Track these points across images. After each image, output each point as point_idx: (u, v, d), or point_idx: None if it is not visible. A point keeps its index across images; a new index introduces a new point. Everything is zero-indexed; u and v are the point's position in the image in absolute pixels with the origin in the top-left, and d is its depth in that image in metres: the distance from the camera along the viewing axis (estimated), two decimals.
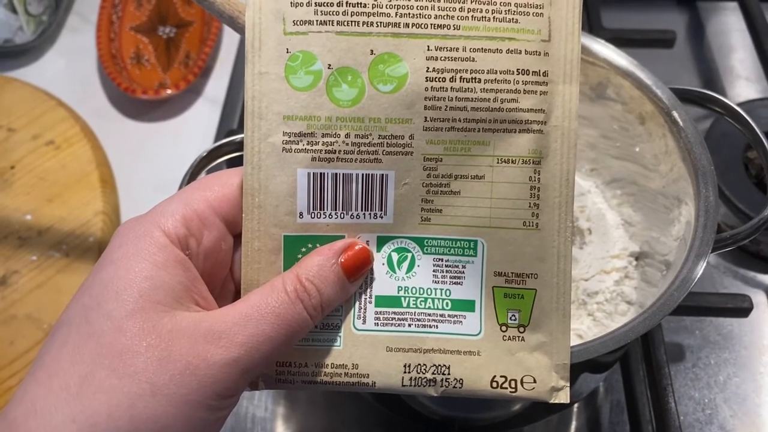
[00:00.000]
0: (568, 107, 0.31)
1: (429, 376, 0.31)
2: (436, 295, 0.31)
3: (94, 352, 0.26)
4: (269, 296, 0.28)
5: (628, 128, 0.47)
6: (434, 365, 0.31)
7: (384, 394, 0.43)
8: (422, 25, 0.30)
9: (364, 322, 0.31)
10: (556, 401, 0.31)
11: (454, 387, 0.31)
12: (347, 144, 0.30)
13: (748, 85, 0.67)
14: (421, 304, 0.31)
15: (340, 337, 0.31)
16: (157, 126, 0.65)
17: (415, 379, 0.31)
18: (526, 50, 0.30)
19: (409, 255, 0.31)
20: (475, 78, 0.30)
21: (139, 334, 0.26)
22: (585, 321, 0.45)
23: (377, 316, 0.31)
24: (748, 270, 0.56)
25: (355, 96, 0.30)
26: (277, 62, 0.30)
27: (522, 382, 0.31)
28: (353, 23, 0.30)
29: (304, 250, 0.31)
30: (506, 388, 0.31)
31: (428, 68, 0.30)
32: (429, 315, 0.31)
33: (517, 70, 0.30)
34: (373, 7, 0.29)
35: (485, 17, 0.30)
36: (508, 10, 0.30)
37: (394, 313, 0.31)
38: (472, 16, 0.30)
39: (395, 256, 0.31)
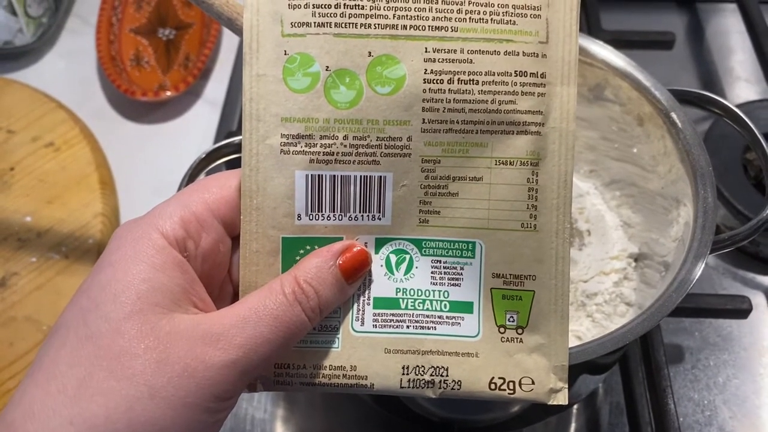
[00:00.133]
0: (566, 109, 0.31)
1: (427, 377, 0.31)
2: (434, 296, 0.31)
3: (92, 355, 0.26)
4: (267, 298, 0.28)
5: (627, 129, 0.47)
6: (432, 367, 0.31)
7: (383, 396, 0.43)
8: (420, 27, 0.30)
9: (363, 323, 0.31)
10: (555, 403, 0.31)
11: (452, 389, 0.31)
12: (345, 146, 0.30)
13: (748, 86, 0.67)
14: (419, 306, 0.31)
15: (338, 338, 0.31)
16: (157, 128, 0.65)
17: (414, 380, 0.31)
18: (523, 52, 0.30)
19: (408, 257, 0.31)
20: (473, 80, 0.30)
21: (137, 336, 0.26)
22: (584, 322, 0.45)
23: (375, 317, 0.31)
24: (747, 271, 0.56)
25: (353, 98, 0.30)
26: (274, 64, 0.30)
27: (520, 384, 0.31)
28: (351, 25, 0.30)
29: (302, 251, 0.31)
30: (504, 389, 0.31)
31: (426, 70, 0.30)
32: (427, 317, 0.31)
33: (515, 71, 0.30)
34: (370, 9, 0.29)
35: (483, 19, 0.30)
36: (506, 12, 0.30)
37: (393, 314, 0.31)
38: (470, 18, 0.30)
39: (393, 258, 0.31)
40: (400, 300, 0.31)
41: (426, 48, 0.30)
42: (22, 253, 0.55)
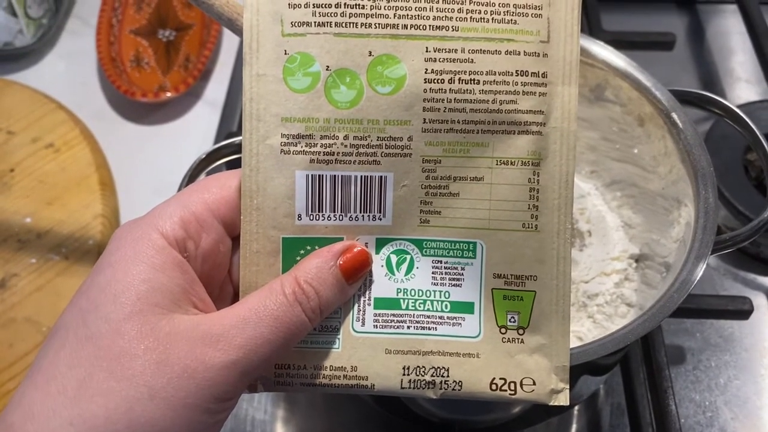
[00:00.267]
0: (567, 108, 0.31)
1: (428, 378, 0.31)
2: (435, 297, 0.31)
3: (92, 355, 0.26)
4: (267, 299, 0.28)
5: (627, 130, 0.47)
6: (433, 367, 0.31)
7: (383, 397, 0.43)
8: (421, 27, 0.30)
9: (363, 324, 0.31)
10: (556, 403, 0.31)
11: (453, 389, 0.31)
12: (346, 146, 0.30)
13: (748, 87, 0.67)
14: (420, 306, 0.31)
15: (338, 339, 0.31)
16: (157, 129, 0.65)
17: (414, 381, 0.31)
18: (524, 51, 0.30)
19: (408, 257, 0.31)
20: (474, 79, 0.30)
21: (137, 337, 0.26)
22: (585, 323, 0.45)
23: (376, 318, 0.31)
24: (748, 272, 0.56)
25: (354, 98, 0.30)
26: (275, 64, 0.30)
27: (521, 385, 0.31)
28: (351, 25, 0.29)
29: (302, 252, 0.31)
30: (505, 390, 0.31)
31: (427, 70, 0.30)
32: (428, 317, 0.31)
33: (516, 71, 0.30)
34: (371, 9, 0.29)
35: (484, 18, 0.30)
36: (507, 12, 0.30)
37: (393, 315, 0.31)
38: (471, 18, 0.30)
39: (394, 258, 0.31)
40: (401, 300, 0.31)
41: (427, 47, 0.30)
42: (21, 255, 0.55)
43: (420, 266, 0.31)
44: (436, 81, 0.30)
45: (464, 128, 0.30)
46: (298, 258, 0.30)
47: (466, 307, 0.31)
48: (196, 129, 0.65)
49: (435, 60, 0.30)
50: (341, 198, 0.30)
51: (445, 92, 0.30)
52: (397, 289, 0.31)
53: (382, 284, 0.31)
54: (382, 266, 0.31)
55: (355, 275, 0.30)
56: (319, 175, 0.30)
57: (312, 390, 0.31)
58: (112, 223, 0.58)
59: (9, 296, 0.53)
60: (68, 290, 0.53)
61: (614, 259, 0.47)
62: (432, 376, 0.31)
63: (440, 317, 0.31)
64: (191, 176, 0.41)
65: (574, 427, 0.50)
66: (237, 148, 0.42)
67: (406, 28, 0.30)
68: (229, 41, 0.71)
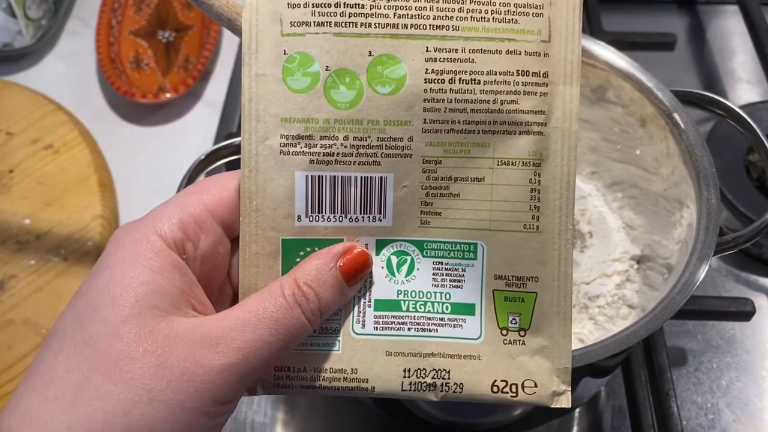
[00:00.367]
0: (568, 108, 0.30)
1: (429, 380, 0.31)
2: (435, 298, 0.31)
3: (90, 359, 0.26)
4: (267, 301, 0.28)
5: (629, 131, 0.46)
6: (434, 370, 0.31)
7: (384, 399, 0.43)
8: (421, 26, 0.29)
9: (364, 326, 0.31)
10: (558, 406, 0.31)
11: (454, 391, 0.31)
12: (345, 146, 0.30)
13: (750, 87, 0.67)
14: (420, 308, 0.31)
15: (339, 341, 0.31)
16: (157, 130, 0.65)
17: (415, 383, 0.31)
18: (525, 51, 0.30)
19: (409, 258, 0.31)
20: (475, 79, 0.30)
21: (136, 339, 0.26)
22: (586, 325, 0.44)
23: (376, 320, 0.31)
24: (750, 274, 0.56)
25: (354, 98, 0.30)
26: (274, 64, 0.29)
27: (523, 387, 0.31)
28: (351, 24, 0.29)
29: (302, 253, 0.30)
30: (507, 392, 0.31)
31: (427, 70, 0.29)
32: (429, 319, 0.31)
33: (517, 71, 0.30)
34: (371, 8, 0.29)
35: (484, 18, 0.30)
36: (508, 11, 0.30)
37: (394, 317, 0.31)
38: (471, 17, 0.30)
39: (394, 260, 0.31)
40: (402, 302, 0.31)
41: (427, 47, 0.29)
42: (20, 256, 0.55)
43: (420, 267, 0.31)
44: (436, 81, 0.29)
45: (465, 128, 0.30)
46: (298, 259, 0.30)
47: (467, 309, 0.31)
48: (196, 130, 0.65)
49: (435, 60, 0.29)
50: (341, 199, 0.30)
51: (446, 92, 0.29)
52: (398, 290, 0.31)
53: (383, 286, 0.31)
54: (383, 268, 0.31)
55: (356, 277, 0.30)
56: (319, 176, 0.30)
57: (312, 392, 0.31)
58: (111, 225, 0.57)
59: (8, 298, 0.53)
60: (67, 291, 0.53)
61: (615, 261, 0.46)
62: (433, 378, 0.31)
63: (441, 319, 0.31)
64: (190, 177, 0.41)
65: (575, 429, 0.49)
66: (236, 149, 0.41)
67: (406, 28, 0.29)
68: (228, 42, 0.71)
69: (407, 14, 0.29)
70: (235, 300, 0.31)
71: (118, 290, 0.27)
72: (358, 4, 0.29)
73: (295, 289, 0.29)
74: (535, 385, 0.31)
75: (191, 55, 0.67)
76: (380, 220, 0.31)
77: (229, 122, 0.64)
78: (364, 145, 0.30)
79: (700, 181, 0.40)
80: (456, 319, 0.31)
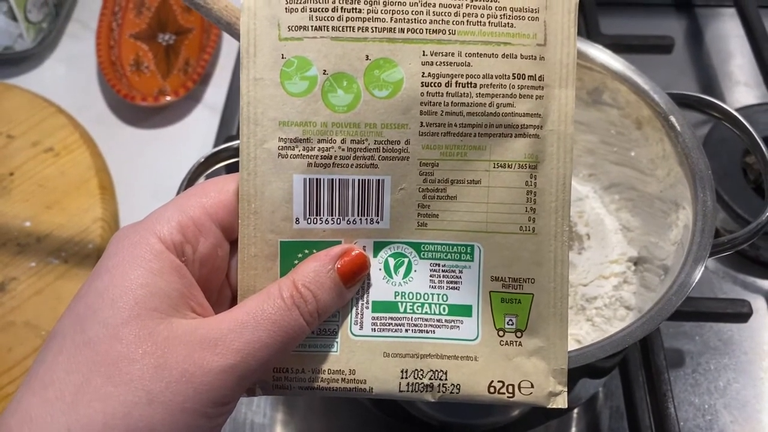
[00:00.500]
0: (564, 111, 0.31)
1: (426, 381, 0.31)
2: (433, 300, 0.31)
3: (90, 360, 0.26)
4: (265, 302, 0.28)
5: (625, 133, 0.47)
6: (431, 371, 0.31)
7: (382, 400, 0.43)
8: (417, 31, 0.30)
9: (361, 327, 0.31)
10: (554, 406, 0.31)
11: (451, 392, 0.31)
12: (343, 149, 0.30)
13: (747, 90, 0.67)
14: (418, 310, 0.31)
15: (337, 342, 0.31)
16: (157, 132, 0.65)
17: (413, 384, 0.31)
18: (521, 54, 0.30)
19: (406, 260, 0.31)
20: (471, 83, 0.30)
21: (135, 341, 0.26)
22: (584, 326, 0.45)
23: (374, 321, 0.31)
24: (747, 275, 0.56)
25: (351, 101, 0.30)
26: (272, 68, 0.30)
27: (519, 387, 0.31)
28: (348, 29, 0.30)
29: (300, 256, 0.31)
30: (504, 393, 0.31)
31: (424, 73, 0.30)
32: (426, 320, 0.31)
33: (513, 74, 0.30)
34: (368, 13, 0.29)
35: (480, 22, 0.30)
36: (504, 15, 0.30)
37: (391, 318, 0.31)
38: (467, 21, 0.30)
39: (392, 262, 0.31)
40: (399, 303, 0.31)
41: (423, 51, 0.30)
42: (21, 258, 0.55)
43: (418, 269, 0.31)
44: (433, 84, 0.30)
45: (461, 131, 0.30)
46: (296, 262, 0.31)
47: (464, 310, 0.31)
48: (196, 133, 0.65)
49: (432, 63, 0.30)
50: (339, 202, 0.30)
51: (442, 96, 0.30)
52: (395, 292, 0.31)
53: (380, 287, 0.31)
54: (380, 269, 0.31)
55: (353, 279, 0.30)
56: (317, 179, 0.30)
57: (310, 393, 0.31)
58: (111, 227, 0.58)
59: (8, 300, 0.53)
60: (68, 294, 0.53)
61: (613, 262, 0.47)
62: (430, 379, 0.31)
63: (438, 320, 0.31)
64: (190, 180, 0.41)
65: (573, 430, 0.50)
66: (236, 152, 0.42)
67: (403, 32, 0.30)
68: (228, 45, 0.71)
69: (404, 18, 0.30)
70: (233, 302, 0.32)
71: (117, 292, 0.27)
72: (355, 9, 0.29)
73: (293, 291, 0.29)
74: (532, 386, 0.31)
75: (191, 59, 0.68)
76: (378, 223, 0.31)
77: (229, 125, 0.64)
78: (361, 148, 0.30)
79: (696, 183, 0.40)
80: (453, 321, 0.31)
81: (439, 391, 0.31)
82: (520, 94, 0.30)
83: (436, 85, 0.30)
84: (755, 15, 0.64)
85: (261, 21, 0.30)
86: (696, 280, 0.37)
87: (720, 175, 0.56)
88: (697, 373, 0.51)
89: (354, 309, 0.31)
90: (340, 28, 0.30)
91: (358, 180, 0.30)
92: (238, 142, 0.39)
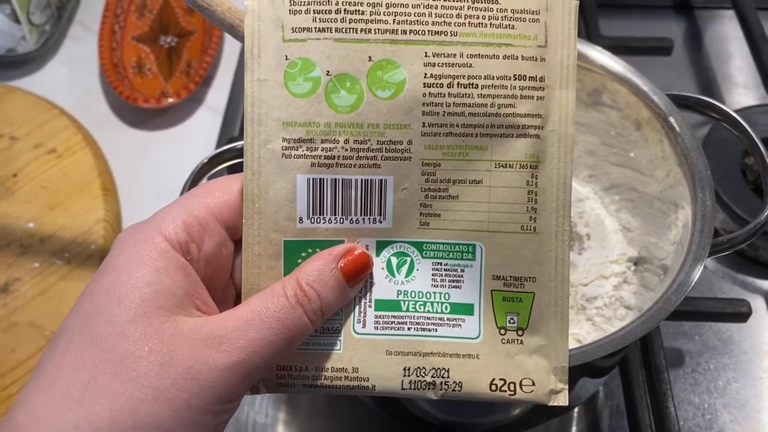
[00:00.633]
0: (564, 112, 0.31)
1: (428, 379, 0.31)
2: (435, 298, 0.32)
3: (97, 358, 0.26)
4: (269, 301, 0.29)
5: (624, 134, 0.47)
6: (433, 368, 0.31)
7: (384, 399, 0.44)
8: (420, 32, 0.30)
9: (364, 326, 0.31)
10: (555, 404, 0.31)
11: (453, 390, 0.31)
12: (346, 150, 0.30)
13: (746, 92, 0.68)
14: (420, 308, 0.32)
15: (340, 341, 0.31)
16: (159, 134, 0.66)
17: (415, 382, 0.31)
18: (522, 56, 0.30)
19: (409, 259, 0.32)
20: (473, 84, 0.30)
21: (141, 338, 0.26)
22: (584, 326, 0.45)
23: (377, 319, 0.31)
24: (746, 275, 0.56)
25: (354, 102, 0.30)
26: (276, 69, 0.30)
27: (521, 385, 0.31)
28: (351, 30, 0.30)
29: (304, 255, 0.31)
30: (505, 391, 0.31)
31: (426, 74, 0.30)
32: (428, 318, 0.31)
33: (514, 75, 0.30)
34: (371, 15, 0.30)
35: (482, 23, 0.30)
36: (505, 17, 0.30)
37: (394, 316, 0.31)
38: (469, 23, 0.30)
39: (394, 261, 0.32)
40: (402, 302, 0.31)
41: (426, 52, 0.30)
42: (24, 259, 0.55)
43: (420, 268, 0.32)
44: (435, 85, 0.30)
45: (463, 132, 0.30)
46: (300, 261, 0.31)
47: (466, 309, 0.32)
48: (198, 134, 0.65)
49: (434, 65, 0.30)
50: (342, 201, 0.31)
51: (444, 96, 0.30)
52: (398, 291, 0.32)
53: (383, 286, 0.32)
54: (383, 268, 0.32)
55: (356, 277, 0.31)
56: (320, 179, 0.30)
57: (313, 391, 0.31)
58: (114, 228, 0.58)
59: (12, 300, 0.53)
60: (71, 294, 0.53)
61: (613, 263, 0.47)
62: (432, 376, 0.31)
63: (440, 319, 0.31)
64: (193, 180, 0.41)
65: (573, 429, 0.50)
66: (238, 153, 0.42)
67: (406, 33, 0.30)
68: (230, 47, 0.71)
69: (406, 20, 0.30)
70: (238, 300, 0.32)
71: (124, 290, 0.27)
72: (359, 11, 0.30)
73: (297, 290, 0.29)
74: (533, 384, 0.31)
75: (193, 61, 0.68)
76: (380, 222, 0.31)
77: (231, 126, 0.65)
78: (364, 149, 0.30)
79: (695, 183, 0.40)
80: (455, 319, 0.31)
81: (441, 389, 0.31)
82: (521, 95, 0.30)
83: (438, 86, 0.30)
84: (754, 17, 0.65)
85: (265, 22, 0.30)
86: (695, 280, 0.37)
87: (719, 176, 0.56)
88: (696, 372, 0.52)
89: (357, 307, 0.31)
90: (343, 30, 0.30)
91: (361, 180, 0.31)
92: (240, 143, 0.39)
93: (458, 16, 0.30)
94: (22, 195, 0.58)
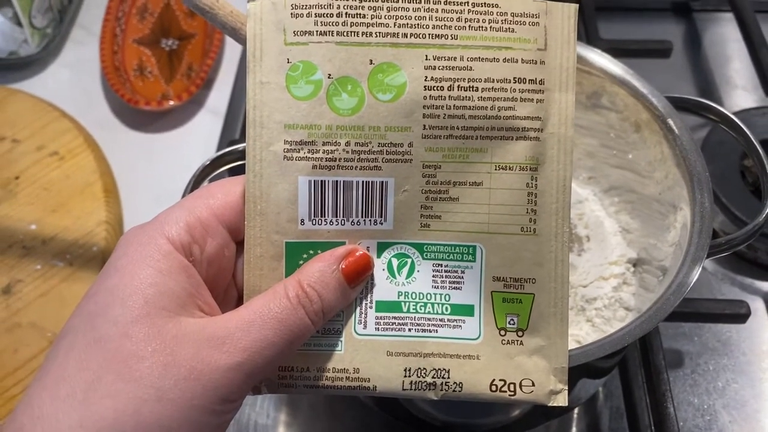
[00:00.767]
0: (564, 114, 0.31)
1: (429, 380, 0.31)
2: (435, 300, 0.32)
3: (100, 358, 0.26)
4: (271, 302, 0.29)
5: (623, 136, 0.47)
6: (434, 369, 0.31)
7: (385, 400, 0.44)
8: (420, 35, 0.30)
9: (365, 327, 0.32)
10: (555, 404, 0.32)
11: (453, 391, 0.31)
12: (347, 152, 0.31)
13: (744, 94, 0.68)
14: (421, 309, 0.32)
15: (341, 341, 0.32)
16: (160, 137, 0.66)
17: (416, 383, 0.31)
18: (522, 59, 0.31)
19: (409, 261, 0.32)
20: (473, 86, 0.30)
21: (145, 339, 0.27)
22: (584, 327, 0.45)
23: (378, 321, 0.32)
24: (745, 277, 0.56)
25: (355, 105, 0.30)
26: (278, 72, 0.30)
27: (521, 386, 0.31)
28: (353, 33, 0.30)
29: (305, 256, 0.31)
30: (505, 391, 0.31)
31: (426, 77, 0.30)
32: (429, 320, 0.32)
33: (514, 78, 0.31)
34: (372, 18, 0.30)
35: (482, 27, 0.30)
36: (505, 20, 0.31)
37: (395, 318, 0.32)
38: (470, 26, 0.30)
39: (395, 262, 0.32)
40: (402, 303, 0.32)
41: (426, 55, 0.30)
42: (26, 261, 0.55)
43: (421, 270, 0.32)
44: (435, 88, 0.30)
45: (463, 134, 0.31)
46: (301, 262, 0.31)
47: (467, 310, 0.32)
48: (199, 137, 0.66)
49: (434, 68, 0.30)
50: (343, 203, 0.31)
51: (445, 99, 0.30)
52: (399, 292, 0.32)
53: (384, 287, 0.32)
54: (384, 270, 0.32)
55: (357, 279, 0.31)
56: (322, 181, 0.31)
57: (315, 392, 0.32)
58: (116, 230, 0.58)
59: (14, 302, 0.53)
60: (72, 296, 0.54)
61: (612, 264, 0.47)
62: (433, 377, 0.31)
63: (441, 320, 0.32)
64: (195, 183, 0.41)
65: (573, 430, 0.50)
66: (240, 155, 0.42)
67: (406, 37, 0.30)
68: (231, 50, 0.72)
69: (407, 23, 0.30)
70: (239, 302, 0.32)
71: (127, 291, 0.27)
72: (360, 14, 0.30)
73: (298, 291, 0.29)
74: (533, 384, 0.31)
75: (194, 63, 0.68)
76: (381, 224, 0.31)
77: (232, 129, 0.65)
78: (365, 151, 0.31)
79: (694, 185, 0.41)
80: (455, 320, 0.32)
81: (441, 390, 0.32)
82: (521, 98, 0.31)
83: (438, 89, 0.30)
84: (752, 19, 0.65)
85: (267, 26, 0.30)
86: (694, 281, 0.37)
87: (718, 178, 0.56)
88: (696, 373, 0.52)
89: (358, 309, 0.32)
90: (345, 33, 0.30)
91: (362, 182, 0.31)
92: (241, 145, 0.39)
93: (458, 19, 0.30)
94: (24, 197, 0.59)
